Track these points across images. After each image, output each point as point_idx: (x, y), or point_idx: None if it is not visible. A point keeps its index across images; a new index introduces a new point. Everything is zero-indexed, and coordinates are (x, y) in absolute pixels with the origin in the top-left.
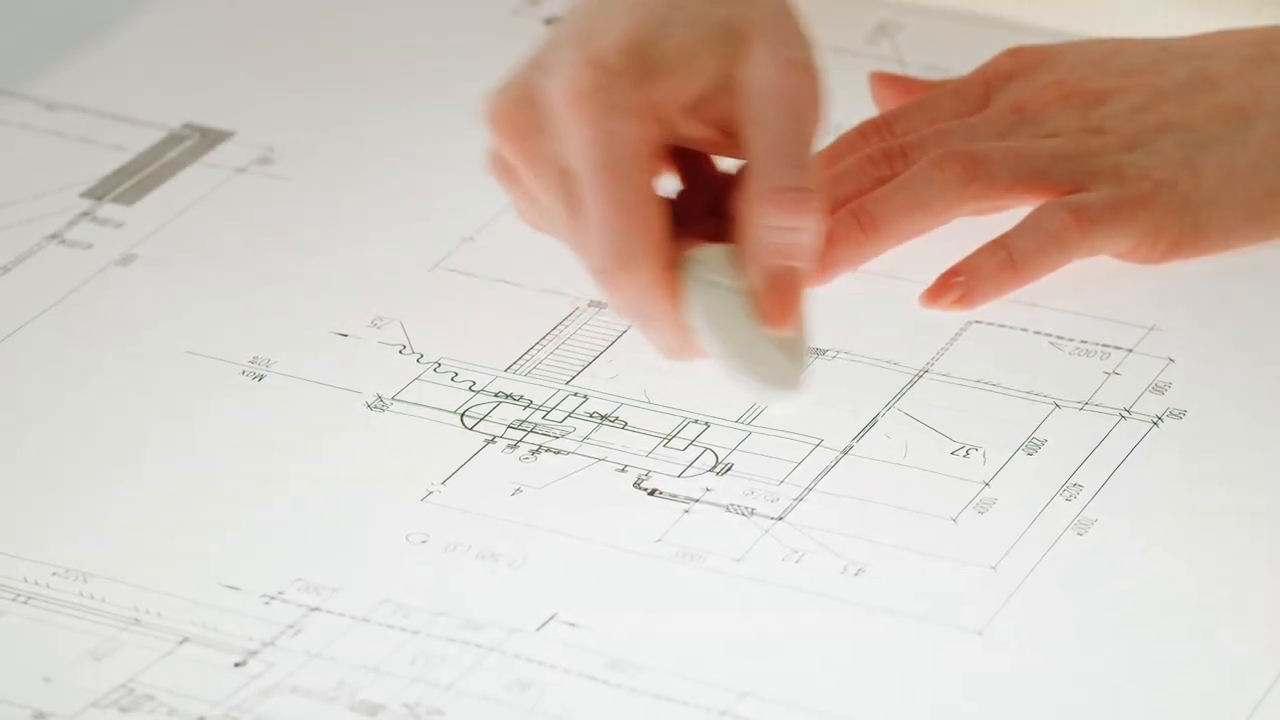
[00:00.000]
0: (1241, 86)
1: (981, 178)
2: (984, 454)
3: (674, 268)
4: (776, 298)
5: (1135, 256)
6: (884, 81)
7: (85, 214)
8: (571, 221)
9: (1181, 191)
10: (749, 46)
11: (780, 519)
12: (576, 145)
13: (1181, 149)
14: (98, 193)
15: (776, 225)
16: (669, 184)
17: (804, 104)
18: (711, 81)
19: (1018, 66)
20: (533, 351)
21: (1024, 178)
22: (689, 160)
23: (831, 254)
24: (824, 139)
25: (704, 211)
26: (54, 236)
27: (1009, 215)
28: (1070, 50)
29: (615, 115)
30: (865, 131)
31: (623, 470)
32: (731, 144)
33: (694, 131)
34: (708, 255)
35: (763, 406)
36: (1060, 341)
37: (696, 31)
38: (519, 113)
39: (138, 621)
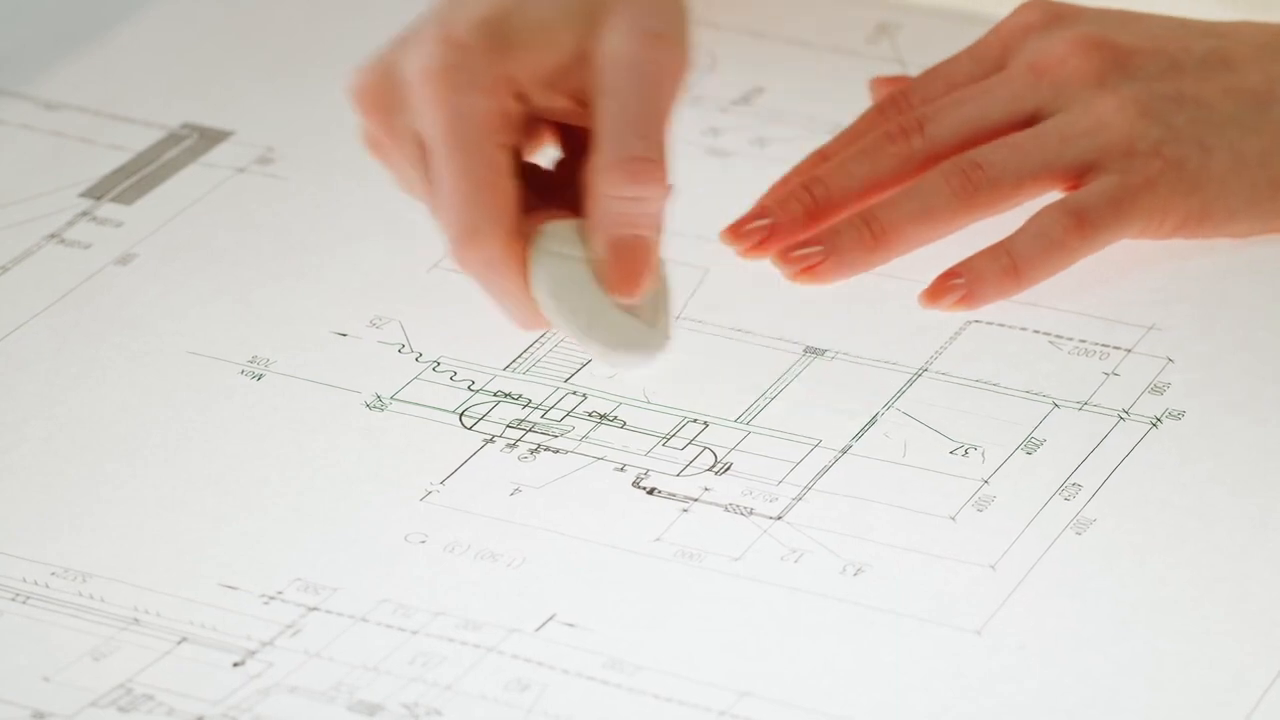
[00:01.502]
0: (1257, 71)
1: (987, 185)
2: (983, 453)
3: (524, 240)
4: (622, 266)
5: (1142, 236)
6: (884, 85)
7: (84, 214)
8: (428, 194)
9: (1190, 171)
10: (607, 19)
11: (779, 518)
12: (428, 120)
13: (1194, 126)
14: (97, 192)
15: (620, 195)
16: (548, 155)
17: (657, 74)
18: (569, 54)
19: (1036, 20)
20: (531, 350)
21: (1031, 173)
22: (572, 132)
23: (840, 258)
24: (824, 139)
25: (558, 187)
26: (53, 236)
27: (1009, 216)
28: (1090, 11)
29: (465, 91)
30: (884, 108)
31: (621, 469)
32: (587, 116)
33: (554, 104)
34: (557, 228)
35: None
36: (1059, 341)
37: (555, 5)
38: (380, 89)
39: (137, 621)
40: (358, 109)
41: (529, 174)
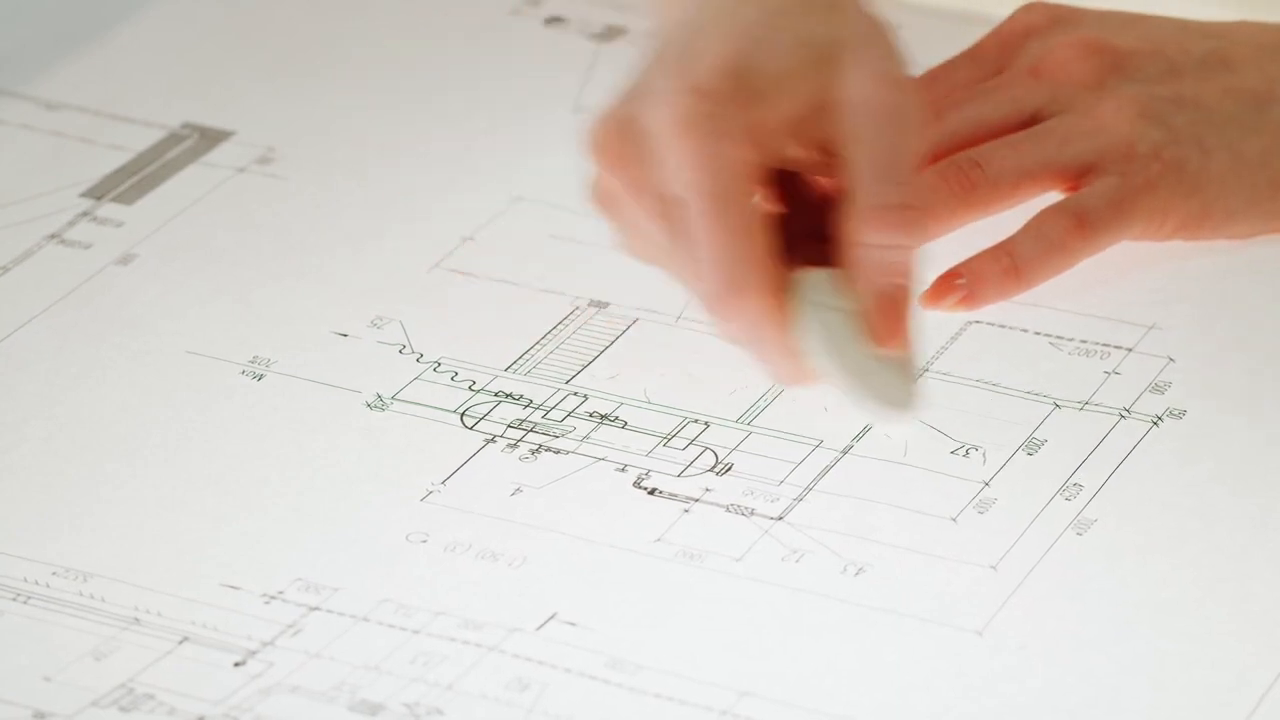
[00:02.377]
0: (1257, 71)
1: (985, 184)
2: (984, 454)
3: (784, 292)
4: (886, 316)
5: (1142, 238)
6: None
7: (85, 214)
8: (678, 250)
9: (1190, 172)
10: (846, 63)
11: (780, 519)
12: (682, 173)
13: (1194, 127)
14: (97, 192)
15: (881, 244)
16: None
17: (903, 119)
18: (811, 101)
19: (1036, 23)
20: (533, 351)
21: (1030, 172)
22: (787, 183)
23: None
24: None
25: (805, 235)
26: (54, 236)
27: (1009, 216)
28: (1090, 13)
29: (720, 141)
30: None
31: (622, 470)
32: (832, 164)
33: (795, 153)
34: (815, 278)
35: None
36: (1060, 341)
37: (794, 51)
38: (621, 142)
39: (137, 621)
40: (597, 162)
41: None
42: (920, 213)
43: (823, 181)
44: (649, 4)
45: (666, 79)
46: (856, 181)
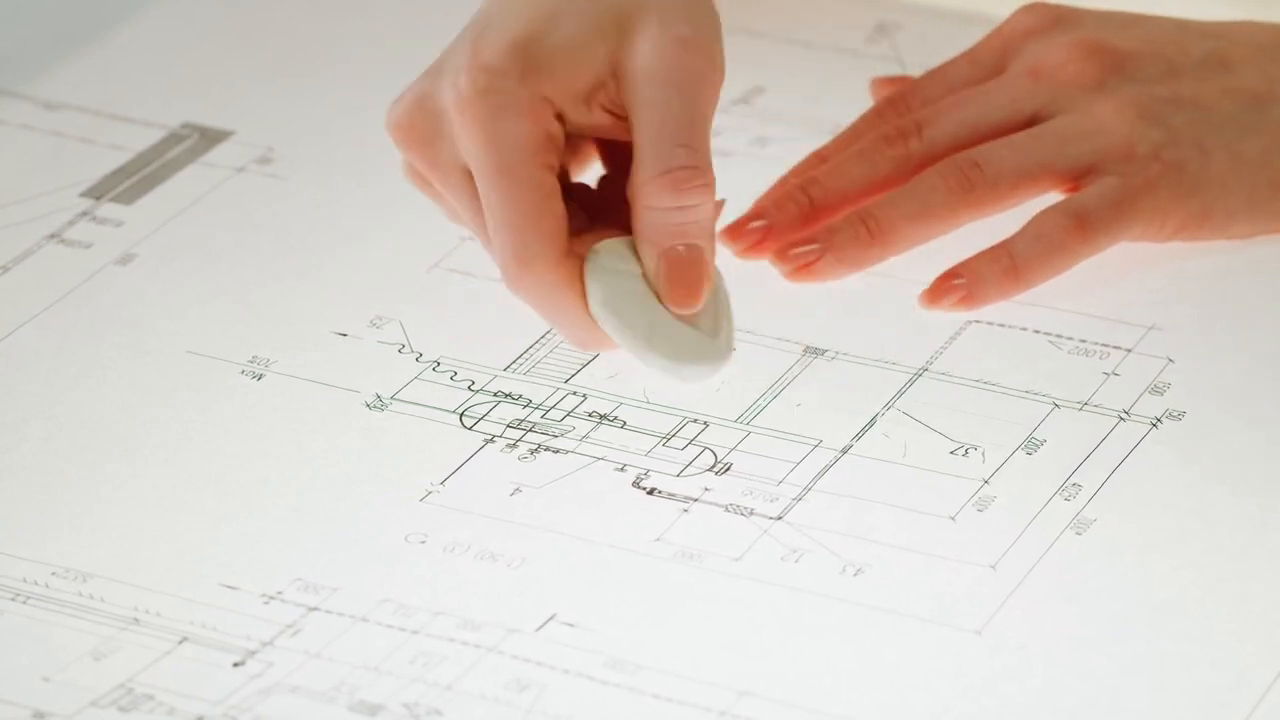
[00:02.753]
0: (1256, 71)
1: (984, 184)
2: (983, 453)
3: (577, 261)
4: (677, 278)
5: (1142, 239)
6: (884, 86)
7: (85, 213)
8: (476, 222)
9: (1190, 173)
10: (636, 30)
11: (779, 518)
12: (470, 148)
13: (1194, 127)
14: (97, 192)
15: (667, 206)
16: (594, 173)
17: (691, 81)
18: (602, 69)
19: (1035, 24)
20: (532, 351)
21: (1029, 173)
22: (616, 148)
23: (837, 255)
24: (823, 139)
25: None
26: (53, 236)
27: (1009, 217)
28: (1090, 14)
29: (504, 116)
30: (882, 110)
31: (622, 469)
32: (626, 129)
33: (593, 121)
34: (610, 246)
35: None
36: (1060, 341)
37: (585, 20)
38: (417, 120)
39: (137, 621)
40: (397, 143)
41: (578, 194)
42: (704, 173)
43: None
44: None
45: (457, 57)
46: (642, 147)
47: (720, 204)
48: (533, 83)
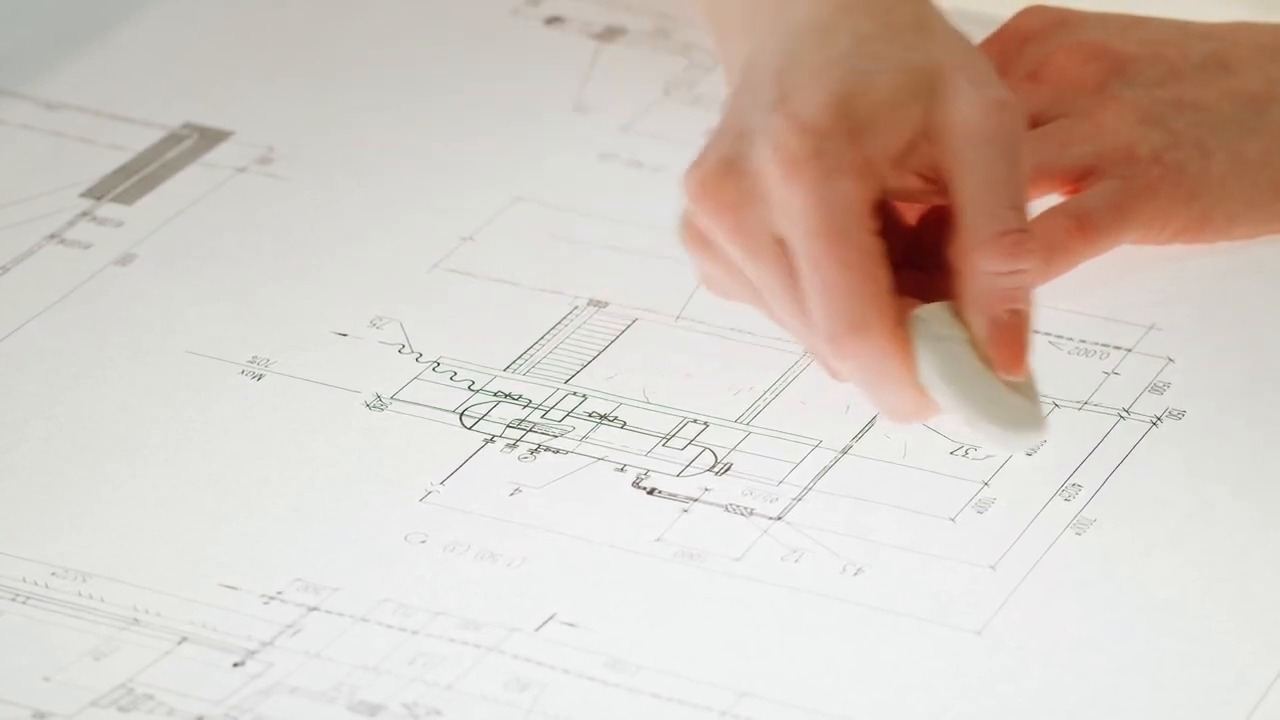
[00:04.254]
0: (1257, 73)
1: None
2: (983, 454)
3: (904, 328)
4: (1007, 343)
5: (1143, 241)
6: None
7: (85, 214)
8: (787, 292)
9: (1191, 176)
10: (948, 89)
11: (779, 519)
12: (797, 213)
13: (1195, 130)
14: (97, 192)
15: (999, 270)
16: None
17: (1013, 142)
18: (917, 130)
19: (1037, 26)
20: (532, 351)
21: (1030, 175)
22: (879, 213)
23: None
24: None
25: (899, 264)
26: (53, 236)
27: None
28: (1091, 17)
29: (834, 178)
30: None
31: (621, 470)
32: (937, 192)
33: (902, 183)
34: (932, 311)
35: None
36: (1059, 341)
37: (896, 80)
38: (724, 185)
39: (137, 621)
40: (699, 207)
41: None
42: (1034, 237)
43: (911, 210)
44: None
45: (768, 116)
46: (968, 209)
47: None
48: (860, 143)
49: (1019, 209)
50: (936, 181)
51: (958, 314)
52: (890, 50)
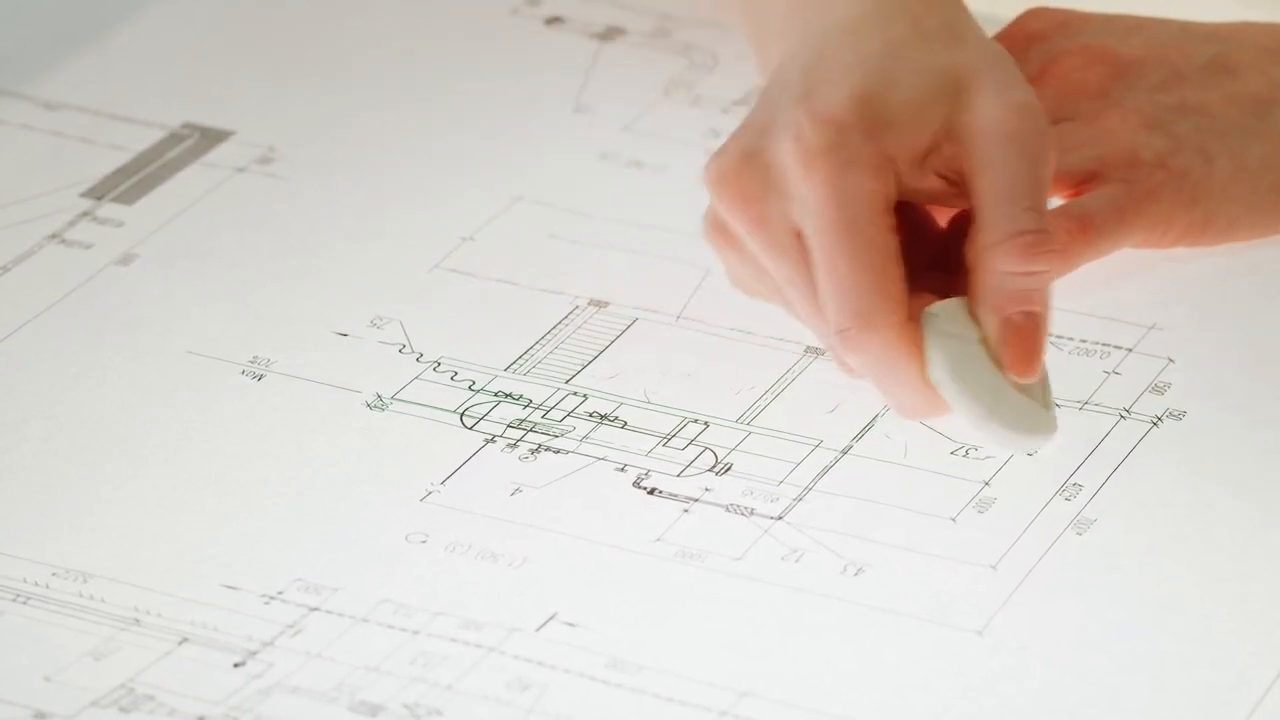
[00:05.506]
0: (1260, 76)
1: None
2: (983, 453)
3: (914, 325)
4: (1018, 344)
5: (1145, 245)
6: None
7: (85, 214)
8: (803, 285)
9: (1193, 181)
10: (972, 91)
11: (780, 519)
12: (813, 205)
13: (1198, 134)
14: (98, 192)
15: (1015, 271)
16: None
17: (1035, 144)
18: (940, 130)
19: (1040, 29)
20: (532, 351)
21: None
22: (904, 213)
23: None
24: None
25: (923, 266)
26: (54, 236)
27: None
28: (1094, 19)
29: (852, 172)
30: None
31: (622, 470)
32: (959, 193)
33: (923, 183)
34: (947, 309)
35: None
36: (1060, 341)
37: (923, 80)
38: (744, 176)
39: (137, 621)
40: (719, 198)
41: None
42: (1052, 239)
43: (936, 211)
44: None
45: (791, 110)
46: (987, 209)
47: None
48: (878, 139)
49: (1037, 210)
50: (959, 183)
51: (972, 313)
52: (919, 53)
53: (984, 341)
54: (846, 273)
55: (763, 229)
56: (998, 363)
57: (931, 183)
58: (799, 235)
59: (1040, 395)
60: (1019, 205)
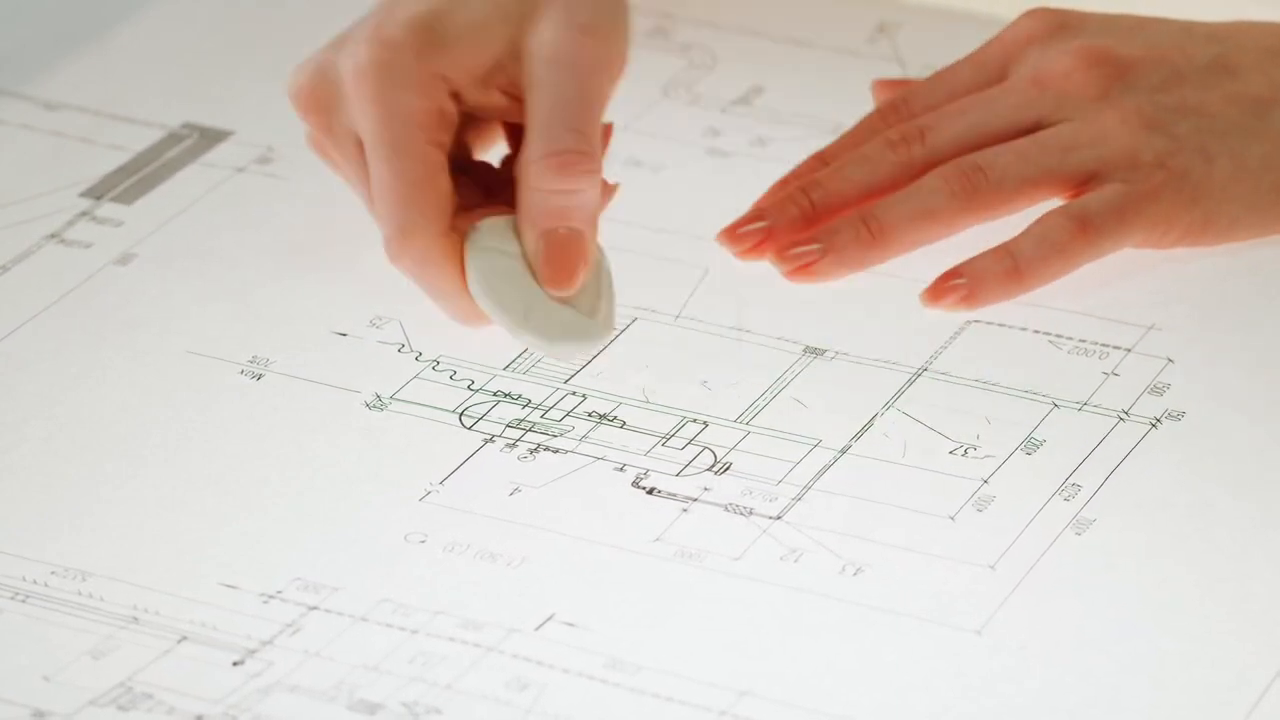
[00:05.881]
0: (1260, 77)
1: (987, 187)
2: (983, 453)
3: (459, 238)
4: (554, 260)
5: (1145, 245)
6: (885, 88)
7: (84, 213)
8: (364, 192)
9: (1193, 181)
10: (539, 16)
11: (779, 518)
12: (362, 119)
13: (1198, 135)
14: (97, 192)
15: (550, 188)
16: (499, 152)
17: (587, 66)
18: (502, 51)
19: (1039, 30)
20: (532, 351)
21: (1032, 178)
22: (519, 129)
23: (837, 256)
24: (824, 139)
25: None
26: (53, 236)
27: (1010, 220)
28: (1094, 19)
29: (396, 89)
30: (885, 113)
31: (621, 469)
32: (521, 110)
33: (490, 101)
34: (492, 224)
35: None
36: (1059, 341)
37: (491, 2)
38: (318, 88)
39: (136, 620)
40: (296, 109)
41: (479, 172)
42: (591, 158)
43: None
44: None
45: (359, 30)
46: (533, 128)
47: (613, 187)
48: (429, 59)
49: (580, 132)
50: (521, 102)
51: (517, 229)
52: None
53: (523, 256)
54: (389, 184)
55: (332, 137)
56: (536, 276)
57: (496, 99)
58: (361, 145)
59: (588, 306)
60: (562, 125)
